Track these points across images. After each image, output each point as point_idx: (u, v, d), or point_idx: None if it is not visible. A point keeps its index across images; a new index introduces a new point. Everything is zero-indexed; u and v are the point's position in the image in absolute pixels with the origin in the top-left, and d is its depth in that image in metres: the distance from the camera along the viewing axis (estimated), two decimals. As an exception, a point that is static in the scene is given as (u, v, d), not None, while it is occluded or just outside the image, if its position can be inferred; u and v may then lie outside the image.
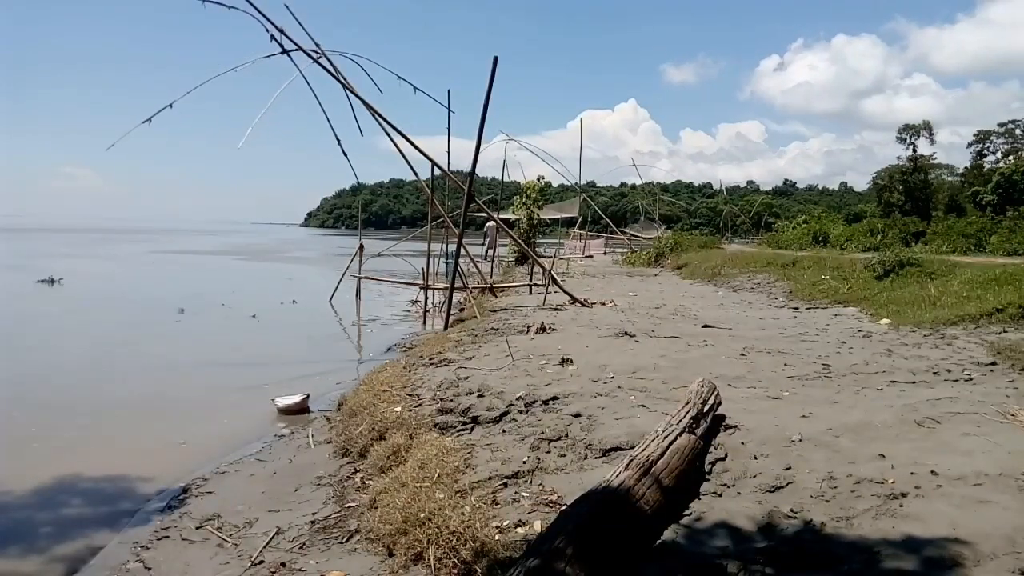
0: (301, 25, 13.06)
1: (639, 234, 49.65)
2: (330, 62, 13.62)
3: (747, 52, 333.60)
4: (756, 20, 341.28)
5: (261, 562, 4.74)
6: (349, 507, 5.48)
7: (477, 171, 15.50)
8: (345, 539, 4.85)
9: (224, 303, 21.07)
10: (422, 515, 4.38)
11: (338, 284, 22.28)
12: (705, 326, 11.96)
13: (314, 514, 5.51)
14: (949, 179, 56.63)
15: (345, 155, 14.82)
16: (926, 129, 54.52)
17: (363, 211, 29.35)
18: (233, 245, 67.87)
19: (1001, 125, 55.39)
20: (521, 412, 6.51)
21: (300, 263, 45.31)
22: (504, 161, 32.10)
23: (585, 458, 5.22)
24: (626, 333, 10.82)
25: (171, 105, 11.58)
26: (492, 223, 29.52)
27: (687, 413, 4.89)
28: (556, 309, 14.98)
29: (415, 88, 14.00)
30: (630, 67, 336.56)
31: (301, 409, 9.42)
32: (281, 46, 12.82)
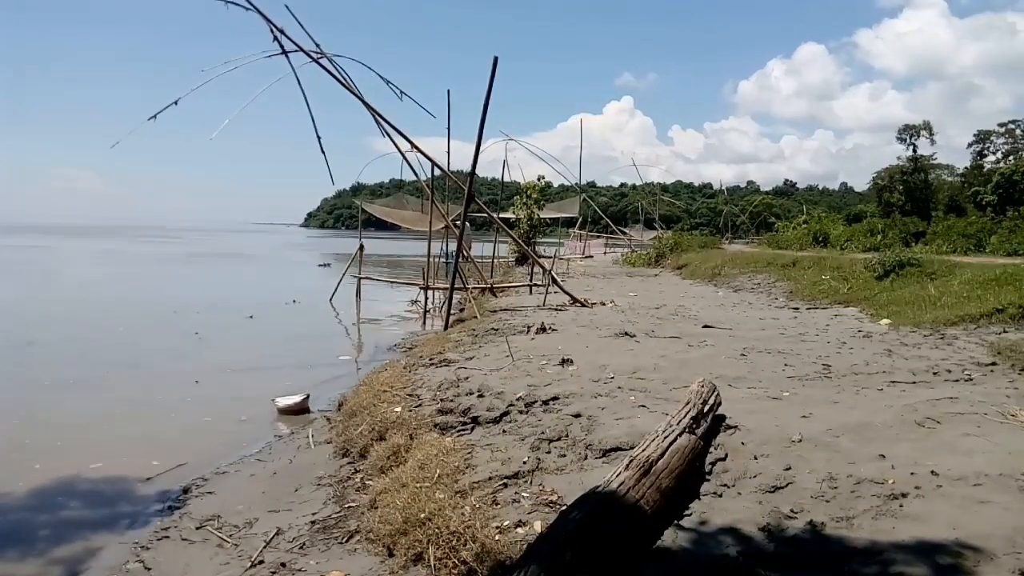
0: (302, 26, 13.03)
1: (636, 237, 49.66)
2: (331, 62, 13.61)
3: (728, 56, 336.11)
4: (729, 27, 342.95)
5: (261, 562, 4.74)
6: (349, 507, 5.48)
7: (477, 171, 15.52)
8: (345, 539, 4.85)
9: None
10: (422, 515, 4.38)
11: (338, 284, 22.29)
12: (705, 326, 11.96)
13: (314, 514, 5.51)
14: (949, 179, 56.65)
15: (323, 152, 14.45)
16: (926, 129, 54.58)
17: (363, 211, 29.59)
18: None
19: (1001, 125, 55.40)
20: (521, 412, 6.51)
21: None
22: (505, 161, 32.14)
23: (585, 458, 5.22)
24: (626, 333, 10.82)
25: (176, 103, 11.54)
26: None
27: (687, 413, 4.89)
28: (556, 309, 14.98)
29: (402, 92, 13.89)
30: (616, 69, 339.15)
31: (301, 409, 9.42)
32: (281, 46, 12.79)
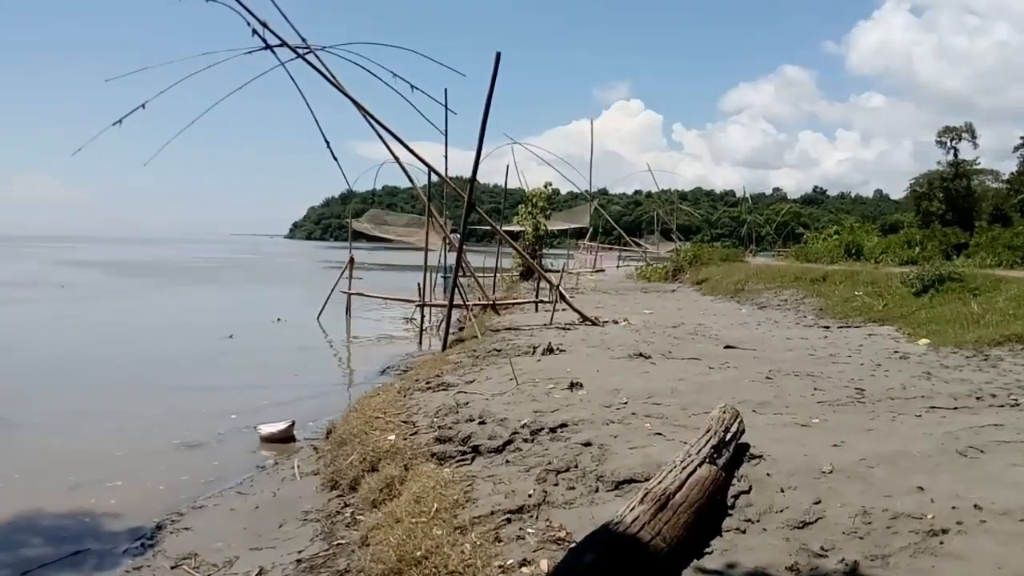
0: (285, 17, 13.11)
1: (652, 249, 49.69)
2: (318, 58, 13.70)
3: (733, 54, 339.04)
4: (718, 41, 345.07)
5: (242, 605, 4.74)
6: (338, 544, 5.49)
7: (478, 178, 15.58)
8: (334, 580, 4.85)
9: None
10: (418, 553, 4.39)
11: (326, 300, 22.35)
12: (727, 347, 11.96)
13: (300, 552, 5.52)
14: (994, 186, 56.51)
15: (335, 159, 14.75)
16: (968, 131, 54.60)
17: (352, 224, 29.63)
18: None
19: (1050, 127, 55.40)
20: (526, 441, 6.52)
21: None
22: (508, 166, 32.21)
23: (596, 491, 5.22)
24: (641, 354, 10.83)
25: (143, 106, 11.60)
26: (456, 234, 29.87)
27: (707, 442, 4.90)
28: (564, 328, 15.00)
29: (412, 86, 14.05)
30: (610, 69, 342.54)
31: (286, 437, 9.43)
32: (264, 41, 12.86)
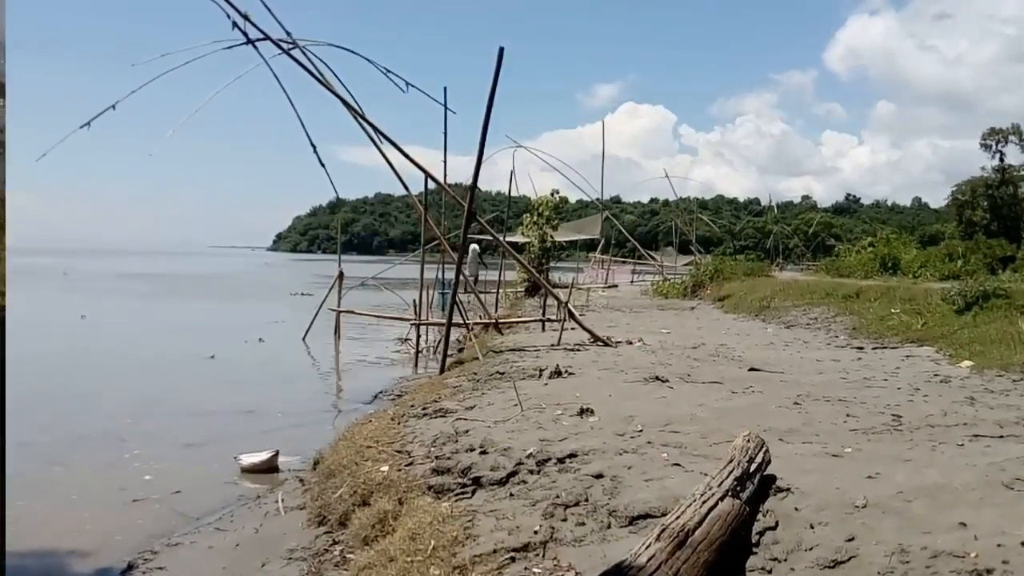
0: (269, 9, 13.22)
1: (668, 262, 49.75)
2: (304, 54, 13.81)
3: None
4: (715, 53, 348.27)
5: (221, 651, 4.75)
6: (326, 586, 5.49)
7: (479, 184, 15.66)
8: (322, 624, 4.86)
9: None
10: (414, 595, 4.40)
11: (313, 319, 22.39)
12: (752, 369, 11.97)
13: (285, 594, 5.53)
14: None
15: (322, 164, 14.88)
16: (1015, 134, 54.66)
17: (343, 232, 29.64)
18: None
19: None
20: (532, 472, 6.52)
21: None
22: (512, 172, 32.27)
23: (608, 527, 5.23)
24: (657, 378, 10.84)
25: (114, 107, 11.70)
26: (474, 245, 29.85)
27: (730, 473, 4.91)
28: (574, 349, 15.02)
29: (407, 84, 14.16)
30: (609, 68, 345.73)
31: (269, 468, 9.44)
32: (245, 35, 12.95)
